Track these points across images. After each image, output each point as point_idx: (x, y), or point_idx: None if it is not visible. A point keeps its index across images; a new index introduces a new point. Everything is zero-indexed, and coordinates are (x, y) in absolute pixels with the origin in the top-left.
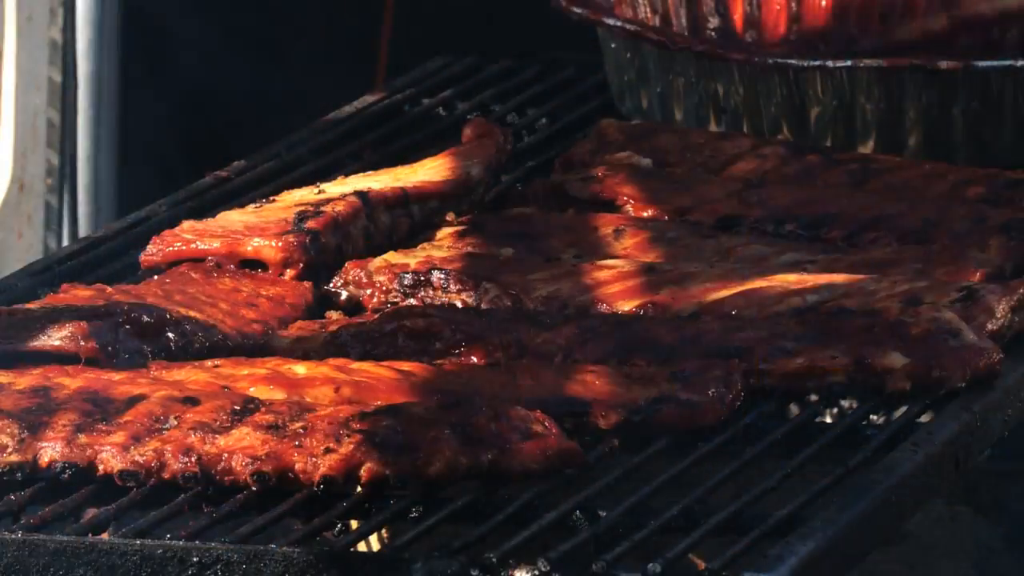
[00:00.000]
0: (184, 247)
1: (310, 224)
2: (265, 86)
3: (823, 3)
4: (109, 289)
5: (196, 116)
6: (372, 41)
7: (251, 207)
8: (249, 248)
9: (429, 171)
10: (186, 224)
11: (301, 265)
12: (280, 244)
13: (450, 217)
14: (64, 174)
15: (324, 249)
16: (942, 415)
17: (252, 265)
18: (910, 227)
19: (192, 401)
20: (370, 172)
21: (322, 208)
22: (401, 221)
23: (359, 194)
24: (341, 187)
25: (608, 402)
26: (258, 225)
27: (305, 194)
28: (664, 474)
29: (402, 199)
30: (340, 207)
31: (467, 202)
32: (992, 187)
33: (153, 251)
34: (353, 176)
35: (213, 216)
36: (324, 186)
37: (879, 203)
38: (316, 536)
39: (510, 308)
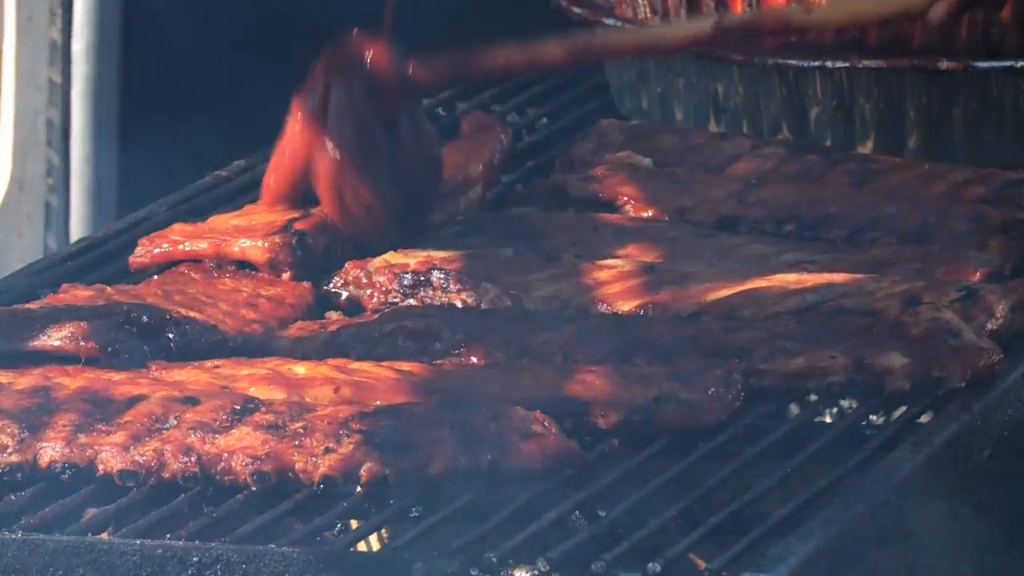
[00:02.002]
0: (171, 248)
1: (298, 225)
2: (265, 86)
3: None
4: (109, 289)
5: (196, 116)
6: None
7: (242, 209)
8: (236, 249)
9: None
10: (175, 226)
11: (288, 266)
12: (266, 245)
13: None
14: (64, 174)
15: (312, 250)
16: (942, 415)
17: (243, 267)
18: (910, 227)
19: (192, 401)
20: None
21: (311, 210)
22: None
23: None
24: None
25: (608, 402)
26: (247, 227)
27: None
28: (664, 474)
29: None
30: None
31: (465, 200)
32: (992, 187)
33: (141, 253)
34: None
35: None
36: None
37: (879, 203)
38: (316, 536)
39: (510, 308)
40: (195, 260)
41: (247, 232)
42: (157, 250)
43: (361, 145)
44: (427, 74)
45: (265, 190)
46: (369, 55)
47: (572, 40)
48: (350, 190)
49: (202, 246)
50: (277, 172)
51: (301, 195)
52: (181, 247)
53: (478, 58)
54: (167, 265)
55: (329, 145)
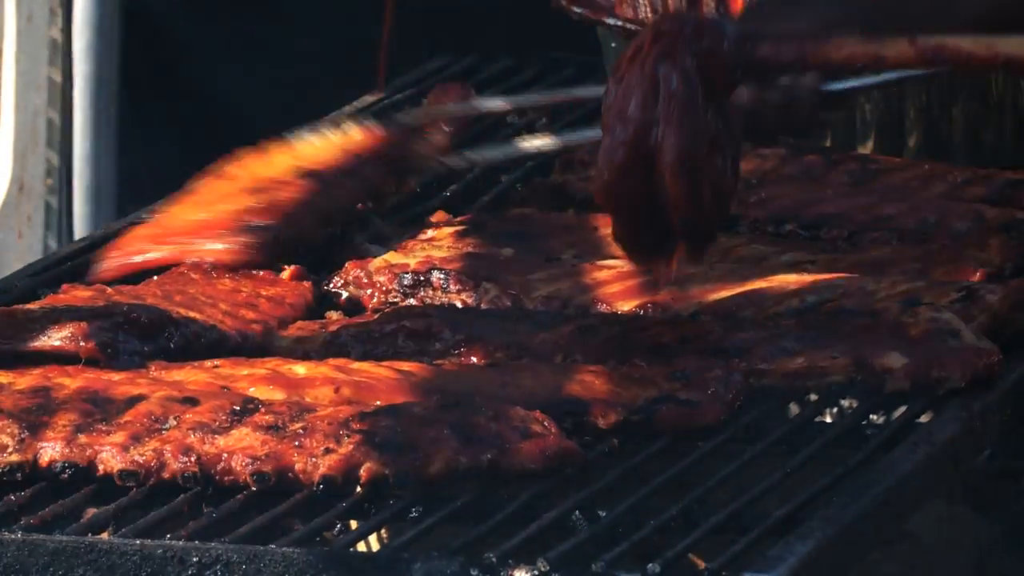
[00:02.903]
0: (138, 261)
1: (258, 221)
2: (265, 86)
3: None
4: (109, 289)
5: (196, 116)
6: (372, 41)
7: (199, 191)
8: (198, 252)
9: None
10: (136, 231)
11: (250, 264)
12: (227, 248)
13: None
14: (64, 174)
15: (273, 244)
16: (942, 415)
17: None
18: (910, 227)
19: (192, 401)
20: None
21: (273, 200)
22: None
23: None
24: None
25: (608, 402)
26: (207, 222)
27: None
28: (664, 474)
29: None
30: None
31: (426, 146)
32: (992, 187)
33: (108, 267)
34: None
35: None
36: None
37: (879, 203)
38: (316, 536)
39: (510, 308)
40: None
41: (207, 229)
42: (124, 262)
43: (707, 127)
44: (768, 56)
45: (601, 192)
46: (702, 32)
47: (923, 41)
48: (707, 180)
49: (166, 253)
50: (612, 170)
51: (640, 193)
52: (144, 257)
53: (821, 46)
54: (135, 276)
55: (675, 132)
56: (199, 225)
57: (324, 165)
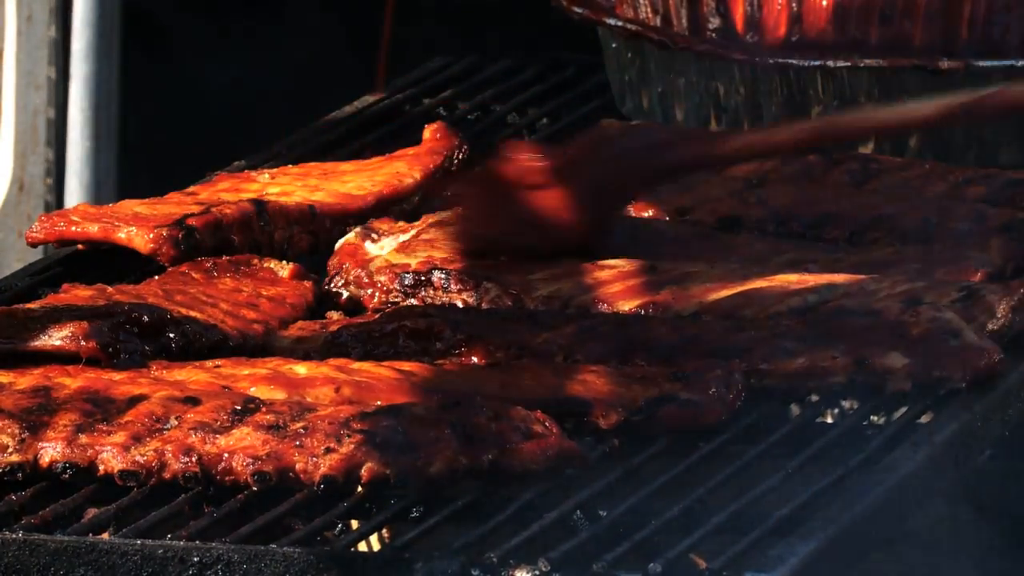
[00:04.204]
0: (66, 228)
1: (191, 221)
2: (265, 86)
3: (824, 3)
4: (109, 289)
5: (196, 116)
6: (372, 41)
7: (152, 199)
8: (122, 235)
9: (362, 180)
10: (80, 206)
11: (170, 259)
12: (151, 236)
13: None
14: (64, 174)
15: (199, 246)
16: (942, 415)
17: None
18: (910, 227)
19: (193, 401)
20: (301, 168)
21: (211, 208)
22: (301, 237)
23: (255, 203)
24: (247, 188)
25: (608, 402)
26: (147, 215)
27: (218, 190)
28: (664, 474)
29: (307, 216)
30: (228, 210)
31: (398, 210)
32: (992, 187)
33: (37, 228)
34: (284, 172)
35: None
36: (244, 183)
37: (879, 203)
38: (316, 536)
39: (510, 308)
40: (89, 241)
41: (142, 220)
42: (55, 228)
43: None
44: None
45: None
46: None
47: (813, 124)
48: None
49: (93, 229)
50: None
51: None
52: (74, 228)
53: (720, 146)
54: (63, 243)
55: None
56: (136, 216)
57: (274, 205)
